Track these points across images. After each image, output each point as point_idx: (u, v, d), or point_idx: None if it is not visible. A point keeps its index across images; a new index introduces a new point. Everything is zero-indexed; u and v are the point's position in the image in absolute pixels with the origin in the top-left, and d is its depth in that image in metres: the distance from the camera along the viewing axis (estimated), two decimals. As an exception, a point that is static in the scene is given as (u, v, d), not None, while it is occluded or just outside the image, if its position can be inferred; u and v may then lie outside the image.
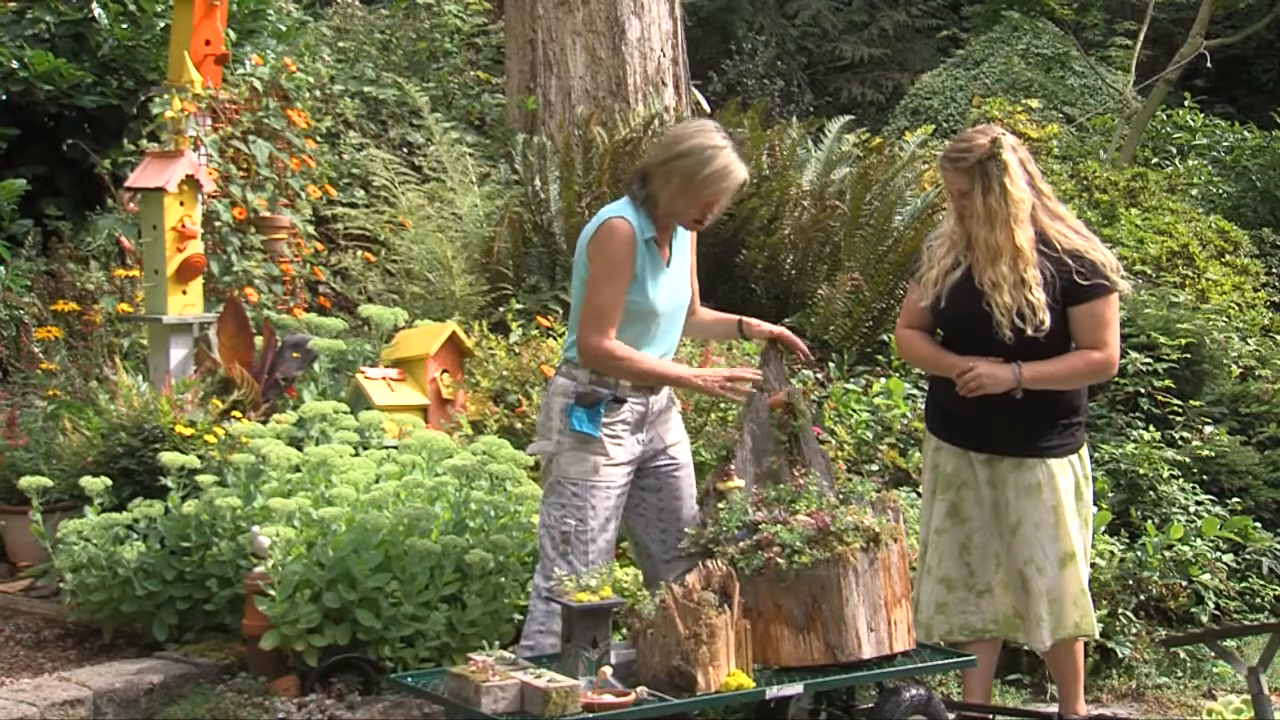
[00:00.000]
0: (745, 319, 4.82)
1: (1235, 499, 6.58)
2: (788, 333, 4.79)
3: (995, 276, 4.54)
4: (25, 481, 5.30)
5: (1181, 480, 6.46)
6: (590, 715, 3.97)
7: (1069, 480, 4.65)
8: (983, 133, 4.66)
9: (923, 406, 6.45)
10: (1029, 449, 4.63)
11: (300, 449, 5.14)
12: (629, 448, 4.50)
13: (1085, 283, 4.55)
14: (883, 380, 6.64)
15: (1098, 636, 4.95)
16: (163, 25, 8.54)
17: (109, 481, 5.24)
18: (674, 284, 4.55)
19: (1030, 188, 4.61)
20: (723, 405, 6.03)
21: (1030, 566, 4.63)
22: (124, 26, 8.65)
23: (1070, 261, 4.55)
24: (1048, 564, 4.61)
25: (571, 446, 4.45)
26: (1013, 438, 4.63)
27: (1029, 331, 4.50)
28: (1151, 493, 6.29)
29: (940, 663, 4.63)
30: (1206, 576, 5.93)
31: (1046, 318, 4.52)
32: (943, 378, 4.72)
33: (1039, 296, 4.52)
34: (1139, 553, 5.84)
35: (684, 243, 4.63)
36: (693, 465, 4.75)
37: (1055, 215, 4.65)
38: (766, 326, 4.78)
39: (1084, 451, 4.74)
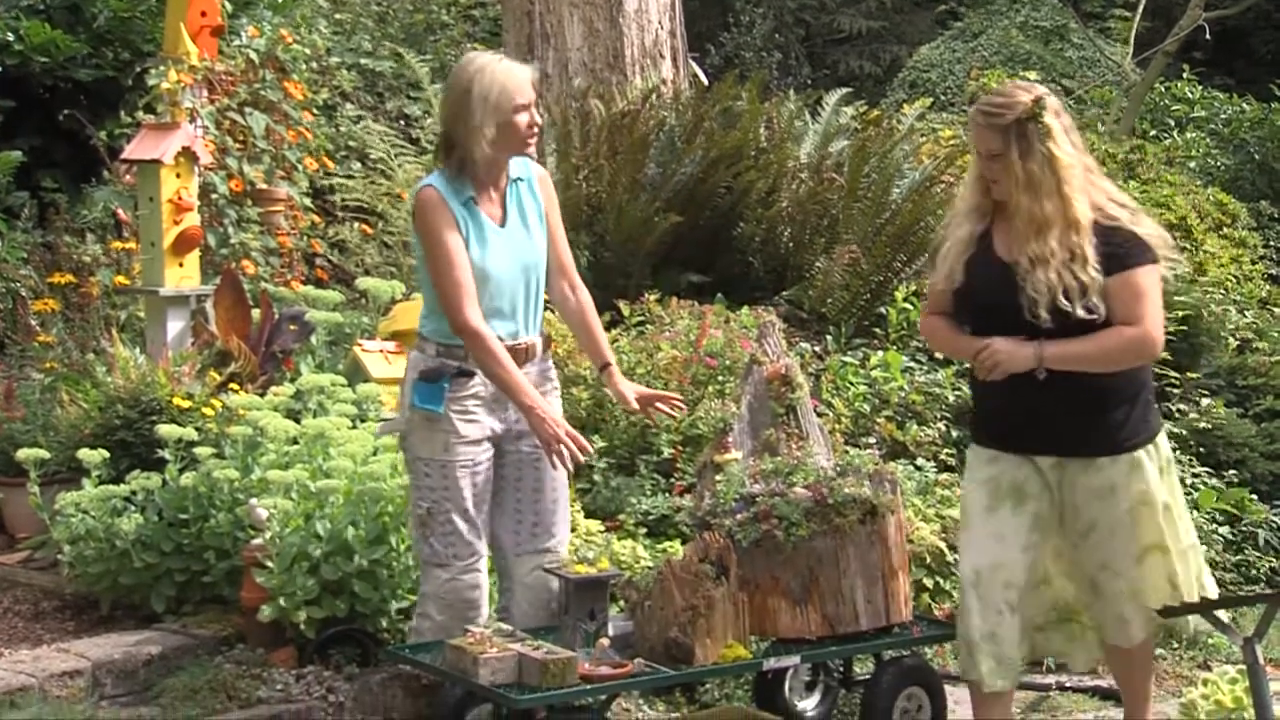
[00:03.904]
0: (611, 369, 4.49)
1: (1232, 471, 6.59)
2: (650, 397, 4.52)
3: (1041, 250, 4.07)
4: (23, 454, 5.29)
5: (1178, 452, 6.47)
6: (588, 687, 3.99)
7: (1144, 475, 4.18)
8: (1026, 89, 4.18)
9: (920, 379, 6.49)
10: (1099, 446, 4.16)
11: (298, 421, 5.14)
12: (484, 424, 4.29)
13: (1121, 252, 4.08)
14: (880, 353, 6.64)
15: (1213, 593, 4.37)
16: (158, -3, 8.52)
17: (106, 454, 5.24)
18: (512, 246, 4.31)
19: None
20: (720, 378, 6.03)
21: (1105, 572, 4.24)
22: (119, -2, 8.63)
23: (1110, 236, 4.09)
24: (1123, 565, 4.21)
25: (419, 424, 4.29)
26: (1080, 435, 4.16)
27: (1078, 312, 4.04)
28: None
29: (937, 634, 4.64)
30: (1203, 548, 5.94)
31: (1100, 301, 4.07)
32: (991, 385, 4.17)
33: (1094, 275, 4.05)
34: (1135, 525, 5.85)
35: (532, 204, 4.40)
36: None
37: (1098, 188, 4.18)
38: (627, 390, 4.46)
39: (1161, 437, 4.28)
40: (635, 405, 4.47)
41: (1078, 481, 4.19)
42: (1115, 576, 4.22)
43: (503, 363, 4.18)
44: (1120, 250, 4.08)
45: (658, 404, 4.53)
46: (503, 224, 4.33)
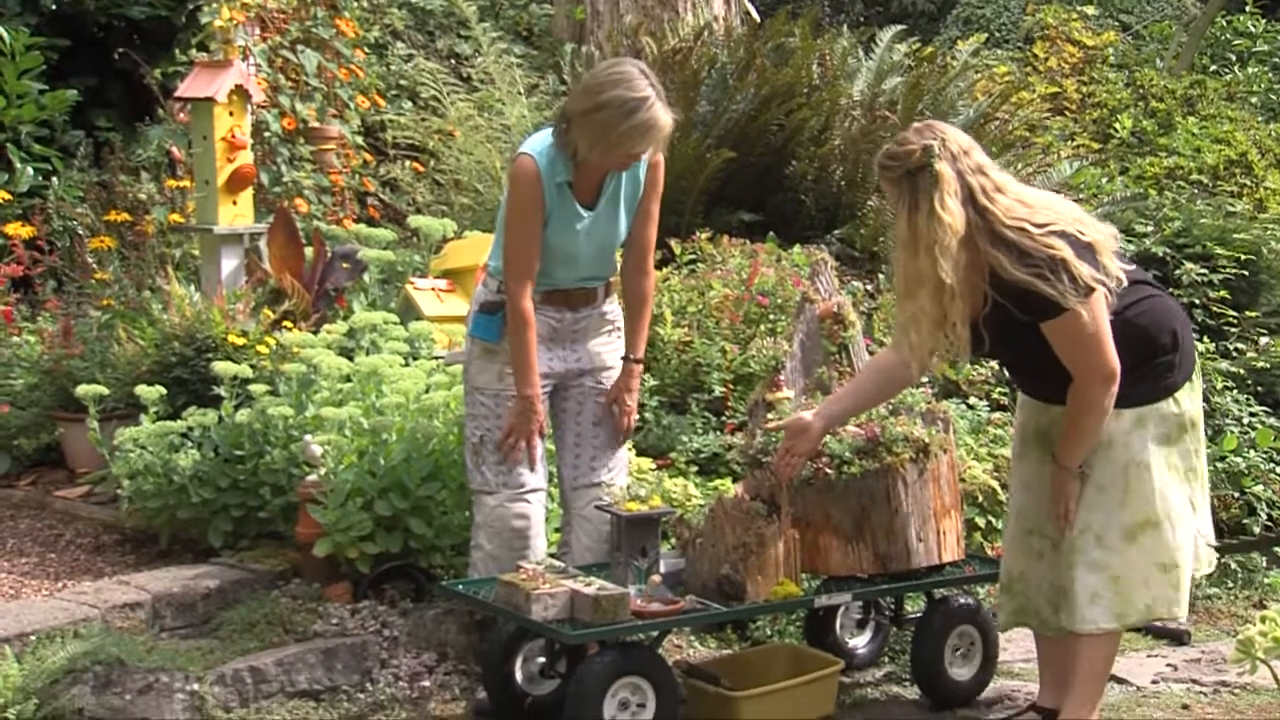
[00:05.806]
0: (633, 367, 4.50)
1: (1290, 411, 6.53)
2: (625, 405, 4.49)
3: (914, 309, 3.87)
4: (82, 390, 5.36)
5: (1236, 391, 6.41)
6: (639, 623, 4.01)
7: (1149, 432, 3.95)
8: (922, 133, 3.87)
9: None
10: None
11: (351, 359, 5.17)
12: (541, 360, 4.35)
13: (1028, 307, 3.82)
14: (933, 291, 6.59)
15: (1180, 618, 4.13)
16: (210, -66, 8.50)
17: (163, 390, 5.28)
18: (593, 228, 4.34)
19: (971, 205, 3.82)
20: (771, 316, 6.01)
21: (1087, 535, 3.96)
22: (171, -65, 8.62)
23: (1013, 291, 3.80)
24: (1111, 537, 3.94)
25: (478, 355, 4.41)
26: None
27: (951, 374, 3.96)
28: (1205, 404, 6.24)
29: (989, 574, 4.62)
30: (1259, 488, 5.91)
31: (967, 352, 3.92)
32: None
33: (963, 334, 3.85)
34: (1191, 465, 5.81)
35: (629, 187, 4.38)
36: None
37: (999, 239, 3.81)
38: (632, 394, 4.49)
39: (1182, 394, 4.02)
40: (627, 418, 4.49)
41: None
42: (1099, 546, 3.93)
43: (525, 347, 4.26)
44: (1028, 305, 3.81)
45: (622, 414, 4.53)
46: (591, 206, 4.34)
